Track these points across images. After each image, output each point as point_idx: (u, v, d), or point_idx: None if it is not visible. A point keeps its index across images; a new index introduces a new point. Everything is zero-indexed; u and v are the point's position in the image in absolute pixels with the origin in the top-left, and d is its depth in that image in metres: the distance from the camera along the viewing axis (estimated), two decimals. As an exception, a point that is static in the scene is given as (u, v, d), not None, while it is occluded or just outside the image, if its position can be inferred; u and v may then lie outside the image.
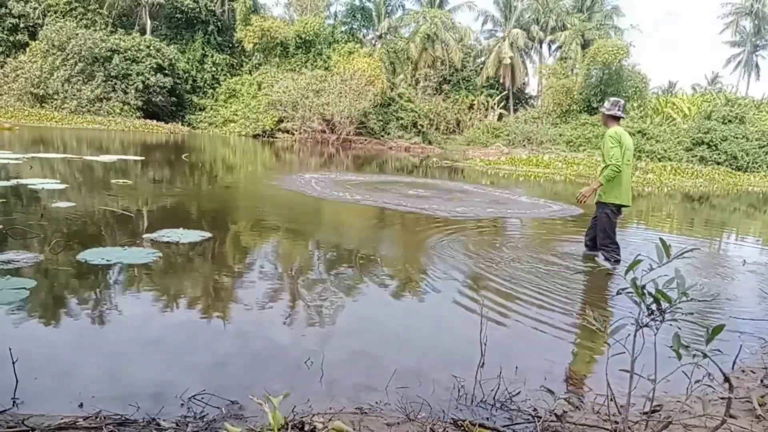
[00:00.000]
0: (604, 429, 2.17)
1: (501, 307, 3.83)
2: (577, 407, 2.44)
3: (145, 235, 5.08)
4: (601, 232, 5.03)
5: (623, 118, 5.10)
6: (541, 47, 44.97)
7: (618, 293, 1.90)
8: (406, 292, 4.08)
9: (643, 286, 1.83)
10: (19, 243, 4.52)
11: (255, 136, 31.42)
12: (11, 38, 32.54)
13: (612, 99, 5.14)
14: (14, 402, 2.17)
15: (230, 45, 38.63)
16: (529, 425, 2.24)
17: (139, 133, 26.19)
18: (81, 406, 2.17)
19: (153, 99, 32.45)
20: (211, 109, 35.46)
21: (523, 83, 46.06)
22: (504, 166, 21.60)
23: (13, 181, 7.78)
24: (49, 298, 3.38)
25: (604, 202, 5.07)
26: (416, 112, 34.98)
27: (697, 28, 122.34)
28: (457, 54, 40.28)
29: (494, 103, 41.69)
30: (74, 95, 30.38)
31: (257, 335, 3.08)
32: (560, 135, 31.81)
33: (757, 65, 49.94)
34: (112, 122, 28.41)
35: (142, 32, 35.70)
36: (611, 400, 2.17)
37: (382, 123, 33.09)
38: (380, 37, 38.81)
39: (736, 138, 27.17)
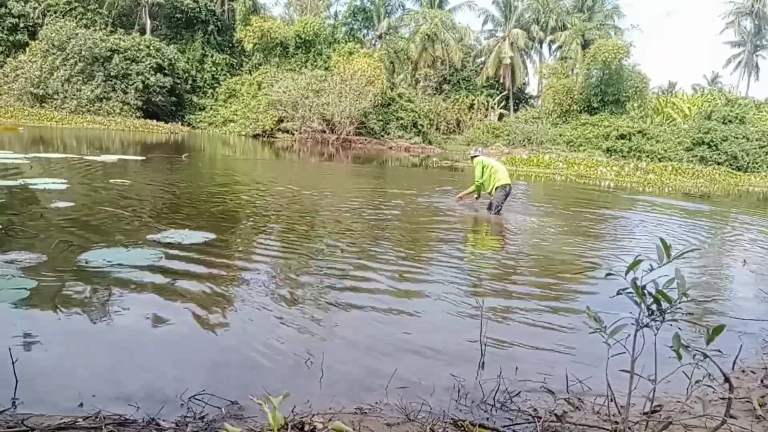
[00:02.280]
0: (604, 429, 2.17)
1: (501, 305, 3.83)
2: (577, 407, 2.44)
3: (148, 236, 5.07)
4: (496, 203, 8.09)
5: (478, 155, 8.59)
6: (541, 47, 45.01)
7: (618, 293, 1.90)
8: (406, 291, 4.08)
9: (644, 287, 1.83)
10: (20, 243, 4.52)
11: (255, 136, 31.40)
12: (11, 38, 32.50)
13: (474, 148, 9.75)
14: (14, 402, 2.17)
15: (230, 45, 38.62)
16: (529, 425, 2.24)
17: (138, 133, 26.19)
18: (81, 406, 2.17)
19: (153, 99, 32.42)
20: (211, 109, 35.44)
21: (524, 83, 46.07)
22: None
23: (14, 181, 7.78)
24: (50, 298, 3.37)
25: (495, 189, 8.09)
26: (416, 112, 34.95)
27: (697, 28, 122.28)
28: (457, 54, 40.28)
29: (494, 103, 41.68)
30: (74, 95, 30.36)
31: (257, 335, 3.08)
32: (560, 135, 31.82)
33: (757, 65, 49.94)
34: (112, 122, 28.39)
35: (142, 32, 35.68)
36: (611, 400, 2.17)
37: (382, 123, 33.05)
38: (380, 37, 38.80)
39: (737, 138, 27.18)
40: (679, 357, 1.72)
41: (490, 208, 8.19)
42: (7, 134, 18.37)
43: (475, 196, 8.81)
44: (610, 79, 33.73)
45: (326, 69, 33.74)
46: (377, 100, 32.08)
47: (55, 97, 30.22)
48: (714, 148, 27.39)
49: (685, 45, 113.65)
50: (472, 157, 8.74)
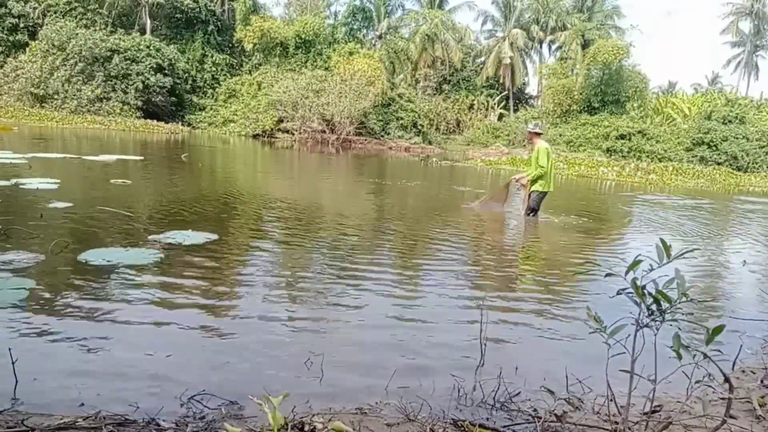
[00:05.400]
0: (604, 429, 2.17)
1: (501, 304, 3.83)
2: (577, 407, 2.44)
3: (149, 237, 5.07)
4: (533, 205, 7.63)
5: (543, 133, 7.78)
6: (541, 47, 45.01)
7: (618, 293, 1.90)
8: (407, 291, 4.08)
9: (644, 287, 1.83)
10: (19, 243, 4.51)
11: (255, 136, 31.38)
12: (11, 38, 32.46)
13: (534, 121, 8.35)
14: (14, 402, 2.17)
15: (230, 45, 38.58)
16: (529, 425, 2.24)
17: (139, 133, 26.17)
18: (81, 406, 2.17)
19: (153, 99, 32.37)
20: (211, 109, 35.40)
21: (523, 83, 46.08)
22: (504, 166, 21.59)
23: (13, 181, 7.78)
24: (49, 298, 3.37)
25: (535, 190, 7.58)
26: (416, 112, 34.92)
27: (697, 28, 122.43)
28: (457, 54, 40.27)
29: (494, 103, 41.68)
30: (74, 95, 30.32)
31: (257, 335, 3.08)
32: (560, 135, 31.81)
33: (757, 65, 49.95)
34: (112, 122, 28.35)
35: (142, 32, 35.65)
36: (611, 400, 2.17)
37: (382, 123, 33.02)
38: (380, 37, 38.78)
39: (737, 138, 27.19)
40: (679, 357, 1.72)
41: (528, 210, 7.64)
42: (4, 134, 18.33)
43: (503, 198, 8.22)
44: (610, 79, 33.71)
45: (326, 69, 33.70)
46: (377, 101, 32.05)
47: (56, 97, 30.19)
48: (714, 148, 27.39)
49: (685, 45, 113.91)
50: (534, 134, 7.47)
